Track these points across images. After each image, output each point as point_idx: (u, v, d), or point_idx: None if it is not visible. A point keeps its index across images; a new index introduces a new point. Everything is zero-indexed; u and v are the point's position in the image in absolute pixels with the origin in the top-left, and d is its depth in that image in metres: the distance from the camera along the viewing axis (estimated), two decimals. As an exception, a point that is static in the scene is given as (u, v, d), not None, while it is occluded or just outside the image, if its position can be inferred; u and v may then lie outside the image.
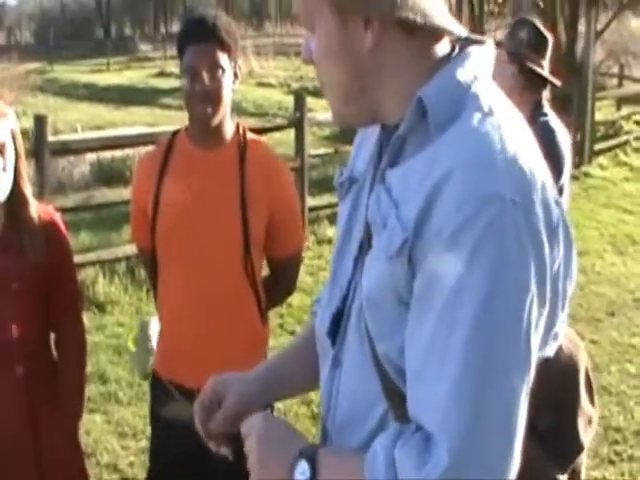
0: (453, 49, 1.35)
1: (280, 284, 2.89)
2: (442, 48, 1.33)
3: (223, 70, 2.56)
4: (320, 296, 1.73)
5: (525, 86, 3.40)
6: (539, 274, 1.17)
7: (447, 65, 1.30)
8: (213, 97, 2.55)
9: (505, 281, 1.14)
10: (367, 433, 1.34)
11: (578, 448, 2.44)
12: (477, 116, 1.23)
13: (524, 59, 3.39)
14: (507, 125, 1.24)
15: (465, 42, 1.35)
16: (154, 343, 1.63)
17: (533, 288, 1.16)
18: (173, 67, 30.15)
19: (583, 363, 2.47)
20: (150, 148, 2.99)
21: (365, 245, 1.36)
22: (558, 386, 2.34)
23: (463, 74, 1.28)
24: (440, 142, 1.23)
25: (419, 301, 1.20)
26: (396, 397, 1.29)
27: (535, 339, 1.18)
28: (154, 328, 1.64)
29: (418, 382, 1.20)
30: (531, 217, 1.16)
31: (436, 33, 1.31)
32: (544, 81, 3.49)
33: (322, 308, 1.53)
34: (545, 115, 3.46)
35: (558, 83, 3.63)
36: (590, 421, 2.46)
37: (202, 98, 2.54)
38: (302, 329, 1.78)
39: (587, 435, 2.44)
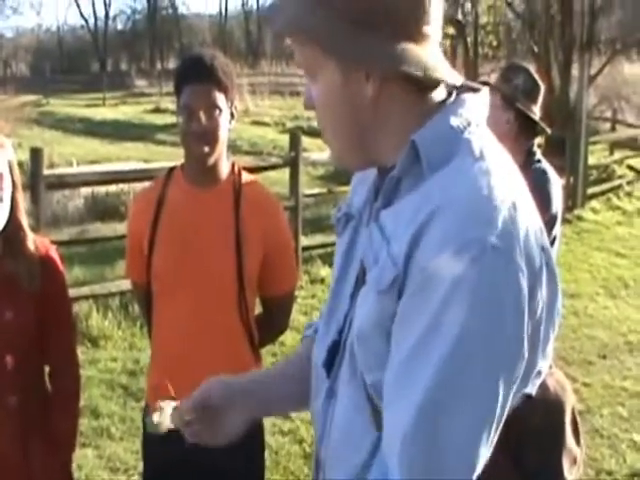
0: (449, 95, 1.38)
1: (273, 322, 2.89)
2: (438, 94, 1.37)
3: (220, 110, 2.57)
4: (312, 322, 1.78)
5: (519, 132, 3.45)
6: (515, 318, 1.18)
7: (442, 110, 1.33)
8: (210, 137, 2.56)
9: (477, 324, 1.16)
10: (359, 463, 1.36)
11: None
12: (468, 160, 1.26)
13: (520, 106, 3.44)
14: (497, 170, 1.26)
15: (461, 88, 1.39)
16: (167, 422, 1.67)
17: (508, 332, 1.18)
18: (169, 103, 30.28)
19: (569, 404, 2.49)
20: (145, 184, 3.00)
21: (360, 281, 1.39)
22: (543, 425, 2.36)
23: (457, 120, 1.31)
24: (431, 183, 1.26)
25: (396, 334, 1.23)
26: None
27: (506, 381, 1.19)
28: (167, 411, 1.68)
29: (387, 411, 1.24)
30: (510, 263, 1.18)
31: (434, 82, 1.35)
32: (538, 128, 3.55)
33: (318, 339, 1.56)
34: (538, 161, 3.50)
35: (549, 131, 3.69)
36: (575, 461, 2.48)
37: (198, 137, 2.56)
38: (292, 354, 1.81)
39: (572, 474, 2.46)
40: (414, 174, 1.31)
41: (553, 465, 2.43)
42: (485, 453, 1.20)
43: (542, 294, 1.23)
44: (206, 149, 2.57)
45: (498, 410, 1.20)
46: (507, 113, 3.42)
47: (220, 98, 2.57)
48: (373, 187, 1.48)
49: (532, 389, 1.31)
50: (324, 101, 1.37)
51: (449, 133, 1.30)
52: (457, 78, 1.37)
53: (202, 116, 2.54)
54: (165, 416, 1.67)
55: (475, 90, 1.40)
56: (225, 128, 2.61)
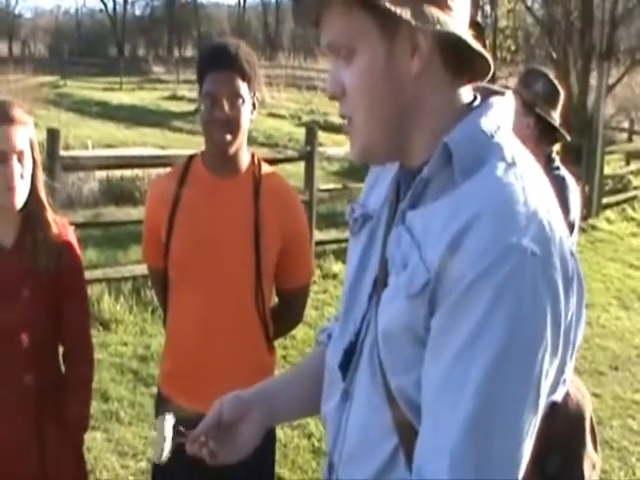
0: (474, 98, 1.38)
1: (288, 315, 2.89)
2: (467, 95, 1.37)
3: (243, 99, 2.55)
4: (326, 326, 1.77)
5: (540, 138, 3.44)
6: (554, 324, 1.19)
7: (472, 113, 1.33)
8: (232, 125, 2.55)
9: (521, 331, 1.16)
10: (376, 468, 1.35)
11: None
12: (501, 166, 1.26)
13: (539, 111, 3.43)
14: (528, 177, 1.26)
15: (485, 92, 1.39)
16: (169, 442, 1.65)
17: (547, 338, 1.18)
18: (185, 91, 30.39)
19: (588, 410, 2.54)
20: (159, 170, 2.99)
21: (380, 282, 1.39)
22: (566, 430, 2.38)
23: (487, 123, 1.31)
24: (465, 189, 1.25)
25: (436, 342, 1.22)
26: (408, 432, 1.30)
27: (545, 387, 1.20)
28: (169, 426, 1.67)
29: (429, 422, 1.22)
30: (549, 269, 1.18)
31: (468, 74, 1.35)
32: (557, 134, 3.54)
33: (334, 341, 1.55)
34: (557, 168, 3.50)
35: (568, 137, 3.67)
36: (594, 466, 2.51)
37: (221, 125, 2.54)
38: (305, 358, 1.79)
39: (592, 479, 2.49)
40: (444, 177, 1.30)
41: (576, 469, 2.45)
42: (526, 461, 1.20)
43: (573, 299, 1.23)
44: (228, 137, 2.55)
45: (538, 417, 1.20)
46: (527, 118, 3.42)
47: (243, 87, 2.55)
48: (393, 186, 1.47)
49: (559, 396, 1.30)
50: (363, 80, 1.32)
51: (481, 137, 1.30)
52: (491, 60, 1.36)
53: (225, 104, 2.52)
54: (167, 444, 1.64)
55: (500, 93, 1.39)
56: (247, 117, 2.60)
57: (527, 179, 1.25)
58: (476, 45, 1.31)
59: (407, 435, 1.30)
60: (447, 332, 1.20)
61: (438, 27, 1.27)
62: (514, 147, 1.31)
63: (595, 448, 2.54)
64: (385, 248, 1.39)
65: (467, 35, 1.30)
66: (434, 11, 1.27)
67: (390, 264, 1.34)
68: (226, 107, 2.53)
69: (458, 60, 1.32)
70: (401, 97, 1.32)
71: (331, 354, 1.54)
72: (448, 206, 1.25)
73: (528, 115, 3.42)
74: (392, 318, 1.29)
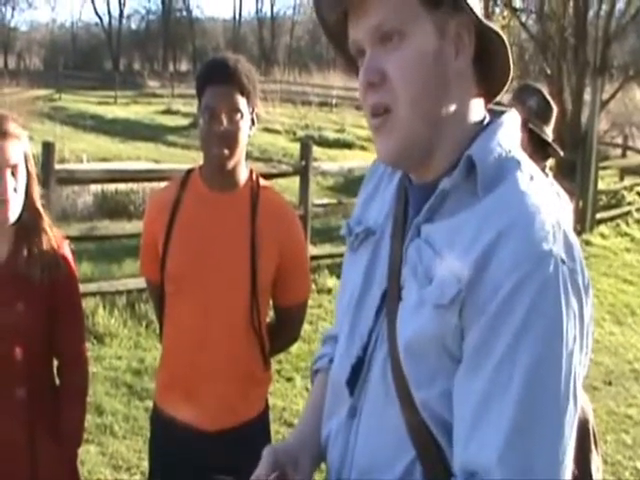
0: (484, 115, 1.41)
1: (285, 331, 2.88)
2: (482, 112, 1.40)
3: (242, 114, 2.55)
4: (321, 353, 1.74)
5: (533, 153, 3.45)
6: (581, 328, 1.23)
7: (488, 129, 1.36)
8: (230, 139, 2.54)
9: (558, 335, 1.20)
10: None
11: None
12: (523, 179, 1.30)
13: (533, 127, 3.44)
14: (547, 191, 1.31)
15: (492, 111, 1.42)
16: None
17: (578, 341, 1.22)
18: (180, 105, 30.36)
19: (591, 415, 2.58)
20: (154, 184, 2.99)
21: (392, 296, 1.39)
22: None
23: (504, 140, 1.35)
24: (489, 201, 1.28)
25: (477, 351, 1.24)
26: (427, 446, 1.31)
27: (579, 388, 1.24)
28: None
29: (474, 430, 1.23)
30: (575, 276, 1.23)
31: (486, 87, 1.38)
32: (550, 149, 3.55)
33: (339, 356, 1.54)
34: (551, 184, 3.50)
35: (561, 153, 3.69)
36: (598, 469, 2.57)
37: (219, 140, 2.53)
38: (313, 391, 1.73)
39: None
40: (462, 191, 1.32)
41: (584, 472, 2.50)
42: (571, 459, 1.23)
43: (590, 303, 1.27)
44: (226, 152, 2.54)
45: (577, 416, 1.25)
46: (521, 134, 3.43)
47: (242, 102, 2.55)
48: (399, 200, 1.48)
49: None
50: (413, 65, 1.30)
51: (501, 152, 1.33)
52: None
53: (224, 118, 2.53)
54: None
55: (502, 112, 1.42)
56: (245, 132, 2.59)
57: (546, 193, 1.30)
58: (508, 50, 1.35)
59: (425, 449, 1.31)
60: (487, 341, 1.23)
61: (486, 21, 1.31)
62: (528, 162, 1.35)
63: (597, 452, 2.60)
64: (393, 262, 1.41)
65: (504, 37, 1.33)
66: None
67: (409, 277, 1.35)
68: (224, 121, 2.53)
69: (483, 70, 1.36)
70: (445, 96, 1.33)
71: (337, 370, 1.53)
72: (473, 219, 1.28)
73: (521, 131, 3.44)
74: (418, 329, 1.30)
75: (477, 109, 1.38)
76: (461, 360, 1.27)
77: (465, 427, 1.24)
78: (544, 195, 1.29)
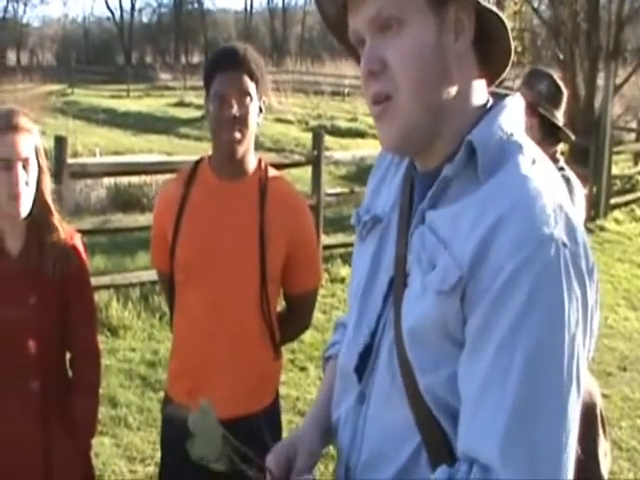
0: (487, 99, 1.40)
1: (295, 320, 2.89)
2: (484, 95, 1.39)
3: (251, 98, 2.57)
4: (333, 340, 1.75)
5: (543, 138, 3.43)
6: (584, 311, 1.23)
7: (490, 113, 1.35)
8: (241, 123, 2.55)
9: (559, 318, 1.20)
10: (398, 468, 1.36)
11: (599, 478, 2.55)
12: (525, 163, 1.29)
13: (543, 112, 3.43)
14: (549, 174, 1.30)
15: (496, 94, 1.42)
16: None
17: (581, 325, 1.22)
18: (192, 97, 30.41)
19: (599, 399, 2.58)
20: (167, 176, 3.00)
21: (398, 282, 1.39)
22: (581, 418, 2.43)
23: (506, 123, 1.33)
24: (490, 186, 1.28)
25: (479, 335, 1.24)
26: (432, 431, 1.31)
27: (582, 370, 1.23)
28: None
29: (475, 415, 1.23)
30: (578, 259, 1.22)
31: (488, 69, 1.38)
32: (561, 134, 3.54)
33: (347, 344, 1.54)
34: (562, 169, 3.49)
35: (573, 137, 3.67)
36: (606, 454, 2.56)
37: (230, 123, 2.54)
38: (325, 379, 1.73)
39: (605, 467, 2.54)
40: (465, 176, 1.32)
41: (591, 456, 2.51)
42: (575, 443, 1.23)
43: (594, 287, 1.27)
44: (237, 135, 2.55)
45: (580, 400, 1.24)
46: (531, 119, 3.41)
47: (251, 87, 2.57)
48: (405, 188, 1.48)
49: None
50: (413, 53, 1.30)
51: (502, 136, 1.32)
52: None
53: (234, 103, 2.54)
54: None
55: (507, 95, 1.41)
56: (255, 117, 2.60)
57: (548, 176, 1.29)
58: (508, 31, 1.34)
59: (430, 434, 1.32)
60: (488, 325, 1.22)
61: (485, 3, 1.30)
62: (531, 146, 1.34)
63: (605, 437, 2.59)
64: (399, 249, 1.41)
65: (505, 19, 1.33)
66: None
67: (414, 264, 1.35)
68: (235, 106, 2.54)
69: (484, 52, 1.35)
70: (445, 81, 1.32)
71: (345, 357, 1.54)
72: (475, 204, 1.28)
73: (532, 116, 3.42)
74: (421, 315, 1.31)
75: (479, 92, 1.38)
76: (464, 345, 1.26)
77: (467, 412, 1.25)
78: (546, 178, 1.28)
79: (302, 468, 1.48)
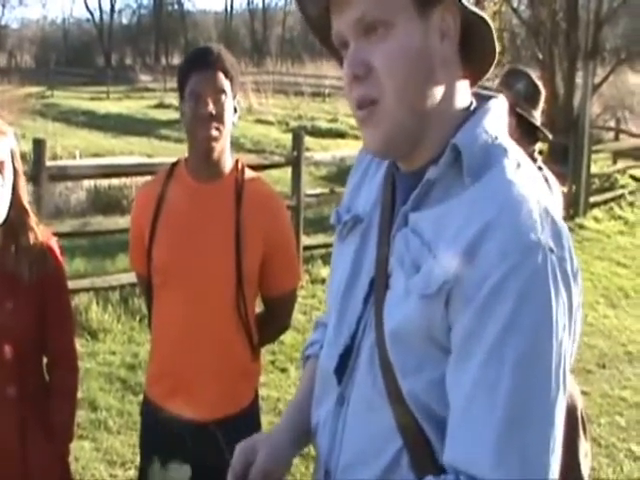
0: (471, 101, 1.40)
1: (274, 321, 2.88)
2: (468, 97, 1.39)
3: (226, 95, 2.58)
4: (312, 339, 1.74)
5: (521, 138, 3.44)
6: (570, 315, 1.22)
7: (474, 115, 1.35)
8: (218, 120, 2.56)
9: (547, 325, 1.19)
10: (378, 470, 1.35)
11: (580, 478, 2.58)
12: (510, 167, 1.28)
13: (521, 111, 3.44)
14: (535, 178, 1.30)
15: (479, 95, 1.42)
16: None
17: (567, 329, 1.22)
18: (173, 99, 30.22)
19: (579, 401, 2.58)
20: (147, 178, 2.99)
21: (379, 284, 1.39)
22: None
23: (491, 126, 1.34)
24: (476, 190, 1.27)
25: (465, 343, 1.23)
26: (412, 434, 1.31)
27: (567, 374, 1.23)
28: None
29: (462, 426, 1.23)
30: (564, 264, 1.22)
31: (471, 70, 1.37)
32: (539, 133, 3.55)
33: (327, 345, 1.54)
34: (540, 168, 3.50)
35: (550, 136, 3.68)
36: (586, 454, 2.57)
37: (207, 121, 2.55)
38: (303, 378, 1.74)
39: (585, 467, 2.55)
40: (449, 179, 1.31)
41: (571, 457, 2.52)
42: (560, 450, 1.23)
43: (579, 290, 1.27)
44: (214, 133, 2.56)
45: (564, 404, 1.24)
46: (509, 118, 3.42)
47: (227, 85, 2.58)
48: (386, 188, 1.47)
49: None
50: (399, 57, 1.28)
51: (487, 139, 1.32)
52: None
53: (209, 101, 2.55)
54: None
55: (492, 97, 1.42)
56: (230, 115, 2.61)
57: (534, 180, 1.29)
58: (493, 32, 1.34)
59: (412, 437, 1.31)
60: (476, 331, 1.22)
61: (470, 6, 1.30)
62: (515, 149, 1.34)
63: (586, 437, 2.61)
64: (381, 250, 1.40)
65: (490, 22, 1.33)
66: None
67: (396, 266, 1.34)
68: (210, 104, 2.54)
69: (468, 52, 1.35)
70: (431, 84, 1.31)
71: (325, 359, 1.53)
72: (460, 208, 1.27)
73: (509, 115, 3.43)
74: (404, 319, 1.30)
75: (463, 94, 1.37)
76: (450, 350, 1.26)
77: (454, 421, 1.24)
78: (531, 183, 1.27)
79: (261, 469, 1.48)
